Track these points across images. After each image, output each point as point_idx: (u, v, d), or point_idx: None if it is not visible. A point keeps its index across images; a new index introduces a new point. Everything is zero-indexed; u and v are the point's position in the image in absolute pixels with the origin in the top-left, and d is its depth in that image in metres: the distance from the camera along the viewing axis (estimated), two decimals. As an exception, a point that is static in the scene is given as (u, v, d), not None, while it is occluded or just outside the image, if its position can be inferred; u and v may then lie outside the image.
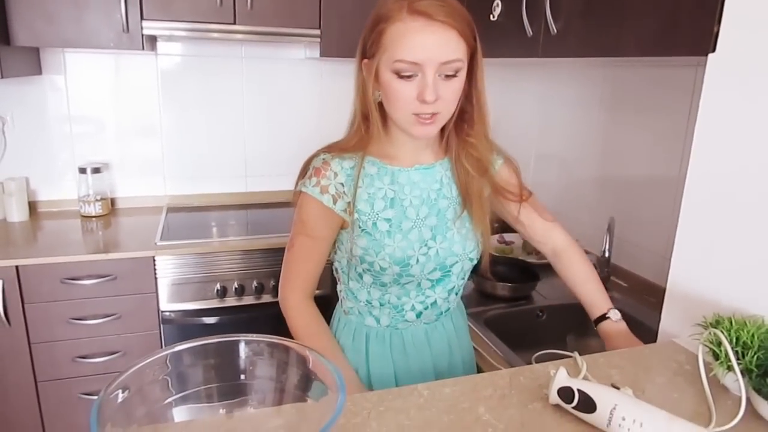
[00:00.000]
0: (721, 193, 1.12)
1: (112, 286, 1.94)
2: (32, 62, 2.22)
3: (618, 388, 0.89)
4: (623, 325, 1.26)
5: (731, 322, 1.02)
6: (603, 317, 1.26)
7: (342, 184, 1.10)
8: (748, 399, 0.92)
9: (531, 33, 1.61)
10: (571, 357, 1.09)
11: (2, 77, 1.88)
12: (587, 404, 0.84)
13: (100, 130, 2.43)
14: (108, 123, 2.43)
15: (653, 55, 1.25)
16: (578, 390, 0.86)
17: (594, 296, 1.30)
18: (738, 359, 0.95)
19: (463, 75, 1.02)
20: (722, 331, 0.99)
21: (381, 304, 1.18)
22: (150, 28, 2.04)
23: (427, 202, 1.14)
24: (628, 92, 1.91)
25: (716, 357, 0.99)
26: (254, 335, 0.69)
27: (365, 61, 1.05)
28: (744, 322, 1.01)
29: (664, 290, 1.27)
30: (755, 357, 0.93)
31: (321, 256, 1.16)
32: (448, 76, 0.99)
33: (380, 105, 1.07)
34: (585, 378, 1.00)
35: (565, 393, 0.87)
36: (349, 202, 1.10)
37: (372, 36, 1.01)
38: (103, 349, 1.97)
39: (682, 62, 1.63)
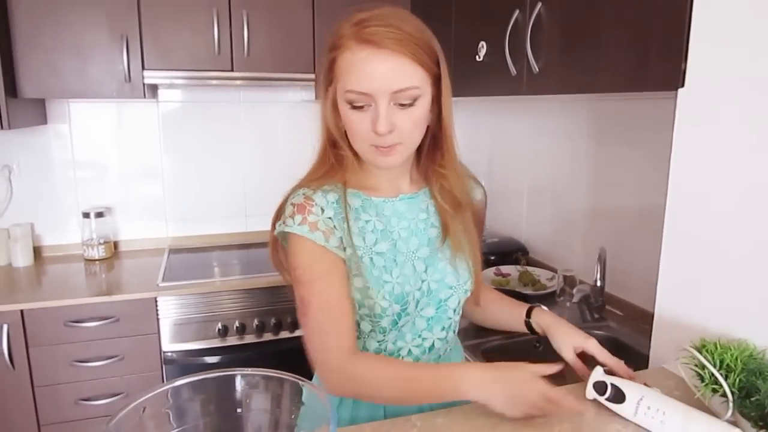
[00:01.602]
0: (700, 220, 1.16)
1: (114, 328, 1.97)
2: (38, 112, 2.31)
3: (649, 387, 1.01)
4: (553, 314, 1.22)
5: (716, 346, 1.05)
6: (530, 311, 1.21)
7: (330, 219, 1.00)
8: (734, 420, 0.95)
9: (515, 72, 1.68)
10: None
11: (9, 128, 1.95)
12: (618, 395, 0.98)
13: (103, 175, 2.50)
14: (111, 168, 2.50)
15: (626, 91, 1.31)
16: (611, 383, 1.00)
17: (515, 305, 1.26)
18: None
19: (424, 102, 0.96)
20: (706, 355, 1.02)
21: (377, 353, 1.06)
22: (151, 77, 2.13)
23: (416, 232, 1.07)
24: (614, 124, 1.96)
25: (702, 380, 1.02)
26: (250, 369, 0.72)
27: (328, 88, 1.00)
28: (728, 346, 1.04)
29: (654, 317, 1.30)
30: (737, 379, 0.96)
31: (347, 297, 1.00)
32: (404, 105, 0.93)
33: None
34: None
35: (599, 386, 1.01)
36: (341, 238, 1.00)
37: (327, 64, 0.98)
38: (107, 391, 1.99)
39: (661, 95, 1.69)
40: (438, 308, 1.08)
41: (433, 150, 1.07)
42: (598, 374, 1.04)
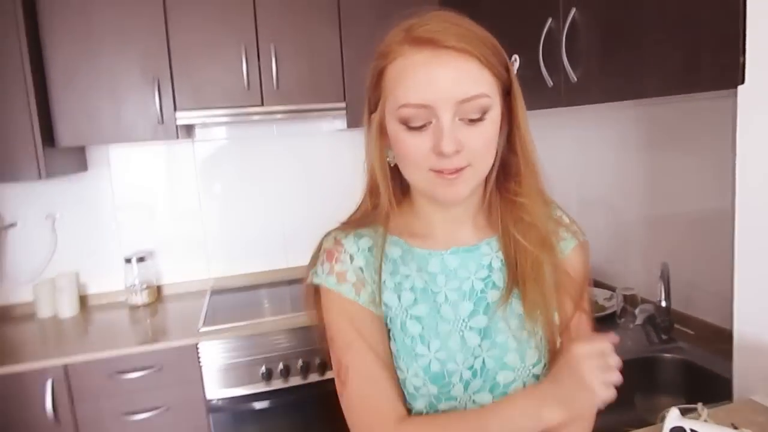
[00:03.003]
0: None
1: (158, 377, 1.92)
2: (78, 159, 2.33)
3: (737, 428, 0.88)
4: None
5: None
6: None
7: (362, 269, 0.86)
8: None
9: (551, 84, 1.58)
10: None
11: (46, 177, 1.96)
12: None
13: (144, 219, 2.50)
14: (151, 210, 2.50)
15: (677, 94, 1.20)
16: (690, 429, 0.88)
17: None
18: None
19: (495, 116, 0.78)
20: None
21: None
22: (183, 117, 2.12)
23: (470, 295, 0.86)
24: (666, 129, 1.83)
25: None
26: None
27: (372, 114, 0.84)
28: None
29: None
30: None
31: (389, 358, 0.85)
32: (473, 120, 0.76)
33: (397, 168, 0.84)
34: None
35: None
36: (373, 292, 0.85)
37: (372, 81, 0.82)
38: (154, 443, 1.94)
39: (715, 94, 1.57)
40: (495, 395, 0.85)
41: (505, 180, 0.86)
42: (674, 418, 0.91)
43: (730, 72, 1.04)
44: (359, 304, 0.85)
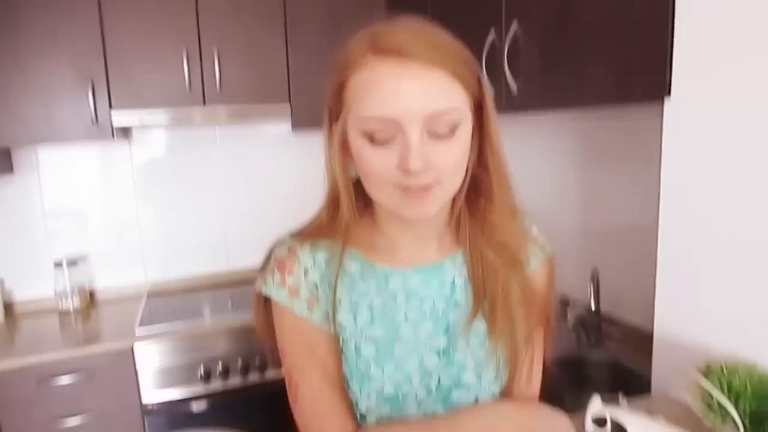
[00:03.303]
0: (696, 236, 1.11)
1: (91, 382, 1.86)
2: (3, 162, 2.21)
3: (653, 417, 0.93)
4: None
5: (722, 370, 0.98)
6: None
7: (316, 286, 0.81)
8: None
9: (492, 93, 1.63)
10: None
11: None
12: (619, 430, 0.92)
13: (76, 223, 2.40)
14: (84, 214, 2.41)
15: (610, 104, 1.28)
16: (611, 417, 0.93)
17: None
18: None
19: (465, 132, 0.73)
20: (712, 381, 0.95)
21: None
22: (119, 117, 2.06)
23: (432, 316, 0.82)
24: (602, 142, 1.93)
25: (710, 407, 0.95)
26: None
27: (333, 126, 0.77)
28: (735, 369, 0.97)
29: (655, 338, 1.24)
30: (747, 406, 0.89)
31: (341, 383, 0.81)
32: (441, 136, 0.70)
33: (360, 183, 0.78)
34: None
35: (599, 420, 0.95)
36: (327, 310, 0.80)
37: (333, 92, 0.76)
38: (86, 450, 1.88)
39: (649, 111, 1.67)
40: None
41: (475, 197, 0.81)
42: (596, 406, 0.95)
43: (657, 86, 1.12)
44: (311, 322, 0.80)
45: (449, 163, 0.71)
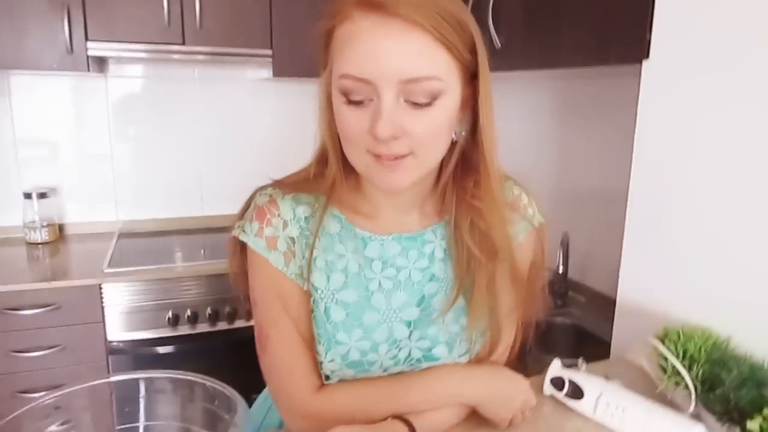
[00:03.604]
0: (665, 203, 1.11)
1: (56, 316, 1.84)
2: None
3: (609, 379, 0.95)
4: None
5: (679, 335, 1.00)
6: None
7: (293, 240, 0.79)
8: (697, 414, 0.90)
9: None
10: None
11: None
12: (576, 391, 0.93)
13: (48, 154, 2.34)
14: (56, 147, 2.35)
15: (590, 65, 1.27)
16: (569, 379, 0.94)
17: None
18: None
19: (448, 103, 0.68)
20: (668, 346, 0.97)
21: None
22: (95, 48, 1.99)
23: (406, 286, 0.81)
24: (577, 105, 1.92)
25: (664, 371, 0.97)
26: (155, 372, 0.64)
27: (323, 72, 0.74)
28: (692, 335, 0.99)
29: (618, 304, 1.26)
30: (700, 371, 0.91)
31: (311, 330, 0.81)
32: (419, 104, 0.66)
33: None
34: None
35: (557, 382, 0.96)
36: (302, 267, 0.79)
37: (321, 41, 0.72)
38: (47, 383, 1.87)
39: (627, 72, 1.66)
40: None
41: (463, 175, 0.78)
42: (555, 369, 0.98)
43: (636, 47, 1.11)
44: (287, 276, 0.79)
45: (424, 133, 0.68)
